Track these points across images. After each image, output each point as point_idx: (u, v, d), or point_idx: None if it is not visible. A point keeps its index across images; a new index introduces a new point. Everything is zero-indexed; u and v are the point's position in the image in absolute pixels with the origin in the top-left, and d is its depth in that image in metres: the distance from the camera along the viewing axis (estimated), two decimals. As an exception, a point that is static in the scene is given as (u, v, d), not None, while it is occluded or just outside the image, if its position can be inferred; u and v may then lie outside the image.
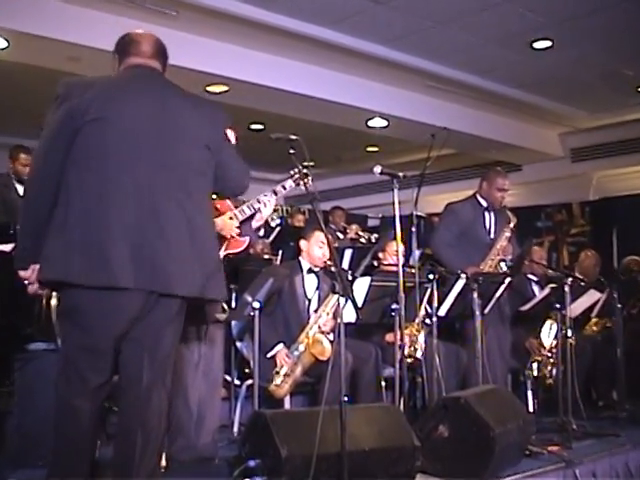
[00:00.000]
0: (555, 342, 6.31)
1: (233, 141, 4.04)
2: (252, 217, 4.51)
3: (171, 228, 3.04)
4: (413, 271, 5.17)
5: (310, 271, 5.64)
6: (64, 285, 2.99)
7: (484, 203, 6.27)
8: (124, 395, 3.11)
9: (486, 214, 6.27)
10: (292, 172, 4.48)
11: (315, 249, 5.61)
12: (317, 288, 5.63)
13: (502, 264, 6.09)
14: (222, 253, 4.42)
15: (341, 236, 9.16)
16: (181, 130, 3.16)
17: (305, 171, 4.38)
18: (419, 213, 6.87)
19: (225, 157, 3.33)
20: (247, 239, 4.47)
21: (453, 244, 6.15)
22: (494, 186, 6.22)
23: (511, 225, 6.20)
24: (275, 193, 4.43)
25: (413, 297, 5.17)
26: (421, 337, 5.67)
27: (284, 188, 4.47)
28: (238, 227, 4.40)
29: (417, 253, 6.29)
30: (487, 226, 6.26)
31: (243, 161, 3.46)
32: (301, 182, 4.44)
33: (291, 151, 3.82)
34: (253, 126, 10.86)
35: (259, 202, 4.39)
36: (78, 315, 3.03)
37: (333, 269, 4.10)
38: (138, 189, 3.01)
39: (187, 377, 4.37)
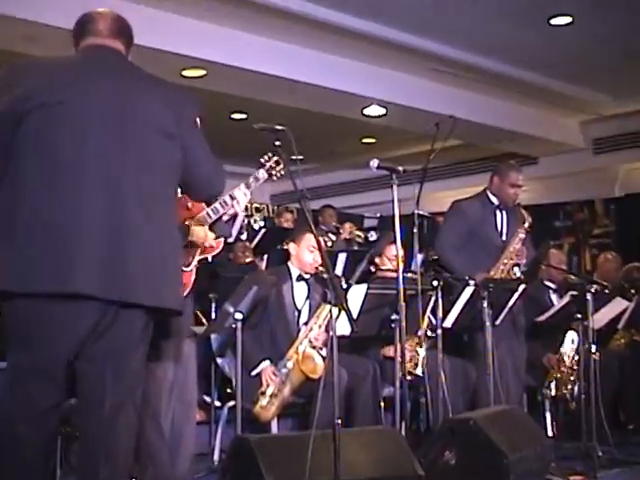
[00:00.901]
0: (577, 357, 6.34)
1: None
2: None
3: (131, 228, 3.00)
4: (415, 277, 5.18)
5: (300, 278, 5.67)
6: (8, 293, 2.93)
7: (495, 200, 6.29)
8: (84, 419, 3.07)
9: (497, 213, 6.29)
10: (262, 160, 4.49)
11: (305, 253, 5.63)
12: (307, 297, 5.65)
13: (515, 269, 6.11)
14: (196, 259, 4.45)
15: (333, 237, 9.18)
16: (141, 117, 3.12)
17: (276, 158, 4.40)
18: (422, 212, 6.88)
19: (193, 149, 3.25)
20: (222, 240, 4.49)
21: (460, 247, 6.17)
22: (506, 181, 6.24)
23: (526, 225, 6.22)
24: (248, 187, 4.45)
25: (415, 307, 5.18)
26: (424, 351, 5.69)
27: (257, 180, 4.48)
28: (212, 229, 4.43)
29: (419, 257, 6.31)
30: (498, 226, 6.28)
31: (215, 159, 3.36)
32: (274, 171, 4.46)
33: (277, 143, 3.83)
34: (235, 115, 10.88)
35: (232, 198, 4.41)
36: (25, 328, 2.98)
37: (325, 276, 4.12)
38: (95, 183, 2.97)
39: (157, 397, 4.36)
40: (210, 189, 3.45)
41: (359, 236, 9.23)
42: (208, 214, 4.40)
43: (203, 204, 4.43)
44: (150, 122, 3.13)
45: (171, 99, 3.23)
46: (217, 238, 4.49)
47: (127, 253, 2.97)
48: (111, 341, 3.04)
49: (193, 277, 4.44)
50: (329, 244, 8.39)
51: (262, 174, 4.47)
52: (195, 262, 4.43)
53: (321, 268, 5.30)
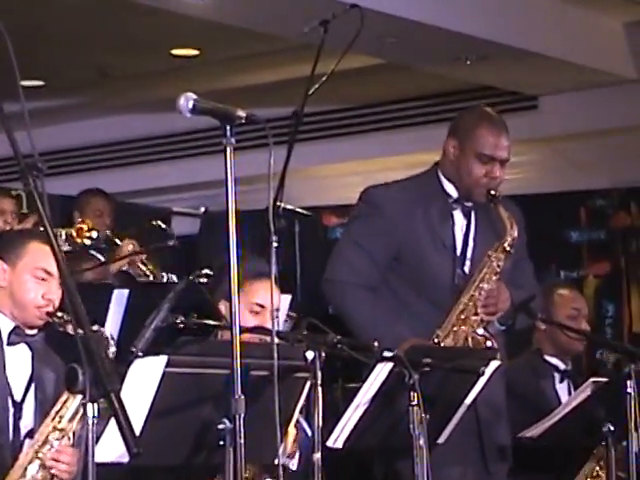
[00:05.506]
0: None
1: None
2: None
3: None
4: (269, 342, 5.23)
5: (17, 336, 5.68)
6: None
7: (453, 191, 6.40)
8: None
9: (456, 215, 6.40)
10: None
11: (27, 283, 5.63)
12: (31, 379, 5.66)
13: (480, 331, 6.19)
14: None
15: (101, 257, 9.19)
16: None
17: None
18: (290, 207, 6.97)
19: None
20: None
21: (378, 284, 6.23)
22: (472, 148, 6.32)
23: (508, 241, 6.30)
24: None
25: (268, 401, 5.22)
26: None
27: None
28: None
29: (284, 301, 6.39)
30: (458, 244, 6.41)
31: None
32: None
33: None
34: None
35: None
36: None
37: (71, 331, 4.14)
38: None
39: None
40: None
41: (151, 270, 9.30)
42: None
43: None
44: None
45: None
46: None
47: None
48: None
49: None
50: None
51: None
52: None
53: (60, 314, 5.32)
